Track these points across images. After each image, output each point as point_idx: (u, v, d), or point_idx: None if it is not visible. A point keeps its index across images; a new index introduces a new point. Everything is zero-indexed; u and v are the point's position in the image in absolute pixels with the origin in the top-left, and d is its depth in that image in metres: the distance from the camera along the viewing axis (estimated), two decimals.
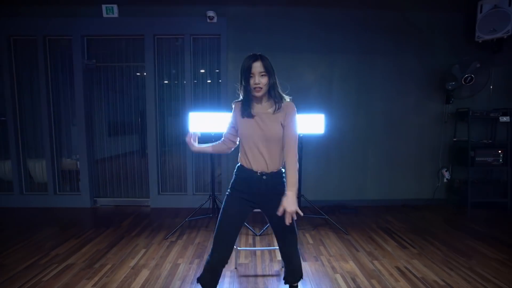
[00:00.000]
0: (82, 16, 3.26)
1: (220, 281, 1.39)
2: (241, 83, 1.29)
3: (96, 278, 1.87)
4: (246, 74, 1.24)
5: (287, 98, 1.34)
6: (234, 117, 1.36)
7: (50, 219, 3.04)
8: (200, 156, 3.52)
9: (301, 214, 1.20)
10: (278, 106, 1.29)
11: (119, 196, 3.57)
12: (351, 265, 2.06)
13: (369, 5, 3.30)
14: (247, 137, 1.30)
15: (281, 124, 1.28)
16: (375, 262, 2.10)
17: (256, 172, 1.30)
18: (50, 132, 3.43)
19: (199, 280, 1.37)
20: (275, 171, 1.31)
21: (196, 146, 1.44)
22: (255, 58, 1.23)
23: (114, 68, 3.46)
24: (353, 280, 1.87)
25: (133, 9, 3.26)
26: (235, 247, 1.97)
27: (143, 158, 3.52)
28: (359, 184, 3.51)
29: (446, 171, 3.48)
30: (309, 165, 3.39)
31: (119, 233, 2.65)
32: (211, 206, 3.03)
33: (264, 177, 1.30)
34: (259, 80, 1.23)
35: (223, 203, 1.35)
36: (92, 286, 1.78)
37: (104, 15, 3.26)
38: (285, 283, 1.51)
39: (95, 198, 3.54)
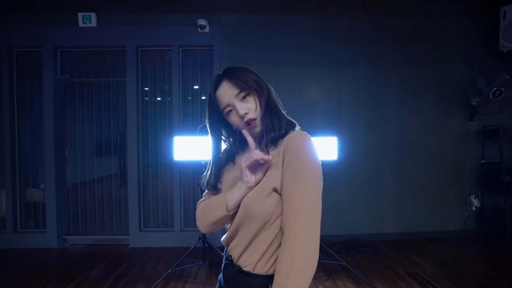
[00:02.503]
0: (55, 26, 2.85)
1: None
2: (212, 133, 0.80)
3: None
4: (214, 114, 0.76)
5: (297, 127, 0.77)
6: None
7: (3, 266, 2.46)
8: (190, 184, 3.02)
9: None
10: (278, 139, 0.71)
11: (93, 234, 3.01)
12: None
13: (378, 14, 2.96)
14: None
15: (275, 189, 0.67)
16: None
17: (227, 251, 0.78)
18: (13, 157, 2.91)
19: None
20: (245, 269, 0.71)
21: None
22: (217, 82, 0.73)
23: (91, 84, 3.01)
24: None
25: (114, 18, 2.87)
26: None
27: (122, 188, 2.99)
28: (375, 215, 3.01)
29: (474, 198, 3.02)
30: None
31: None
32: (201, 245, 2.50)
33: (226, 261, 0.78)
34: (244, 107, 0.70)
35: None
36: None
37: (81, 24, 2.86)
38: None
39: (64, 236, 2.97)
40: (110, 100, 3.03)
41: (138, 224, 2.92)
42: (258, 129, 0.72)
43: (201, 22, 2.81)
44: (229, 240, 0.76)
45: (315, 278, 2.21)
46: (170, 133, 2.90)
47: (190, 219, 3.00)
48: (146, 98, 3.04)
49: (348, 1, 2.92)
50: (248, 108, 0.71)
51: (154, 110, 3.05)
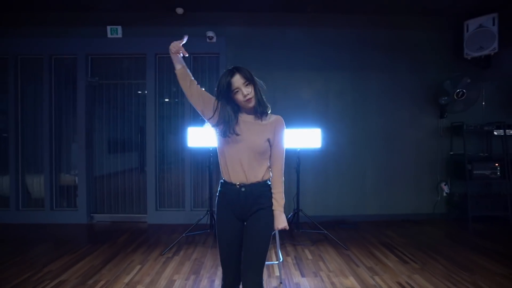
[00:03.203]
0: (88, 37, 3.41)
1: None
2: (221, 104, 1.23)
3: None
4: (228, 92, 1.19)
5: (269, 108, 1.28)
6: (217, 108, 1.25)
7: (45, 236, 2.99)
8: (199, 171, 3.53)
9: (287, 228, 1.26)
10: (264, 114, 1.25)
11: (116, 212, 3.53)
12: (351, 281, 2.00)
13: (362, 24, 3.46)
14: (227, 144, 1.22)
15: (268, 140, 1.23)
16: (376, 277, 2.05)
17: (235, 184, 1.23)
18: (50, 147, 3.46)
19: None
20: (255, 182, 1.23)
21: (179, 57, 1.35)
22: (232, 72, 1.18)
23: (116, 86, 3.56)
24: None
25: (137, 30, 3.42)
26: None
27: (142, 174, 3.52)
28: (358, 199, 3.48)
29: (445, 185, 3.47)
30: (308, 180, 3.39)
31: (114, 249, 2.60)
32: (208, 222, 3.00)
33: (242, 189, 1.22)
34: (247, 90, 1.18)
35: (216, 227, 1.30)
36: None
37: (109, 35, 3.41)
38: None
39: (91, 214, 3.50)
40: (132, 98, 3.57)
41: (155, 205, 3.44)
42: (252, 104, 1.22)
43: (210, 33, 3.34)
44: (235, 175, 1.23)
45: (301, 244, 2.70)
46: (183, 127, 3.42)
47: (199, 200, 3.51)
48: (162, 98, 3.57)
49: (335, 15, 3.42)
50: (248, 91, 1.19)
51: (169, 107, 3.58)
